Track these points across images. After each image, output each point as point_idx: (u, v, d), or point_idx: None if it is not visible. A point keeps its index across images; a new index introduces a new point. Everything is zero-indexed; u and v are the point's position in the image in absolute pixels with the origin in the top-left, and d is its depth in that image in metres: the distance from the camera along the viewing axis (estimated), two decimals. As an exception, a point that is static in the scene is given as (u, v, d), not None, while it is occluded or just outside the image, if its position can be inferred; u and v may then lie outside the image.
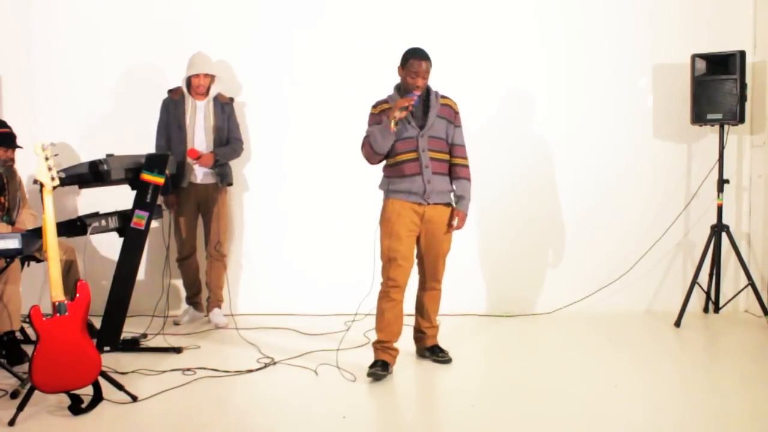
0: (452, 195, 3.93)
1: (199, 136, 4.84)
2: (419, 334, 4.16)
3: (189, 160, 4.76)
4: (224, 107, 4.91)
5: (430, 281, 4.01)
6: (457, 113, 3.94)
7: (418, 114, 3.83)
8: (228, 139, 4.93)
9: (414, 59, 3.76)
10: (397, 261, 3.77)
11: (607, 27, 5.20)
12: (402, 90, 3.83)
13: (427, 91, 3.88)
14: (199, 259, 5.04)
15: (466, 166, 3.96)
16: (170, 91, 4.91)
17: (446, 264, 4.01)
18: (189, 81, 4.83)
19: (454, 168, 3.93)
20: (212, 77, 4.85)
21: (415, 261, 3.95)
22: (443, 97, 3.92)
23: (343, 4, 5.25)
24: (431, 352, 4.11)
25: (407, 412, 3.38)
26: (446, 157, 3.89)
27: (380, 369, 3.76)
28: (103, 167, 3.99)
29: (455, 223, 3.91)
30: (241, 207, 5.32)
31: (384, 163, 3.91)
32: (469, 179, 3.95)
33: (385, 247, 3.82)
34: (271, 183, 5.32)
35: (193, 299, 5.09)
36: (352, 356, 4.09)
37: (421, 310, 4.11)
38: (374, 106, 3.90)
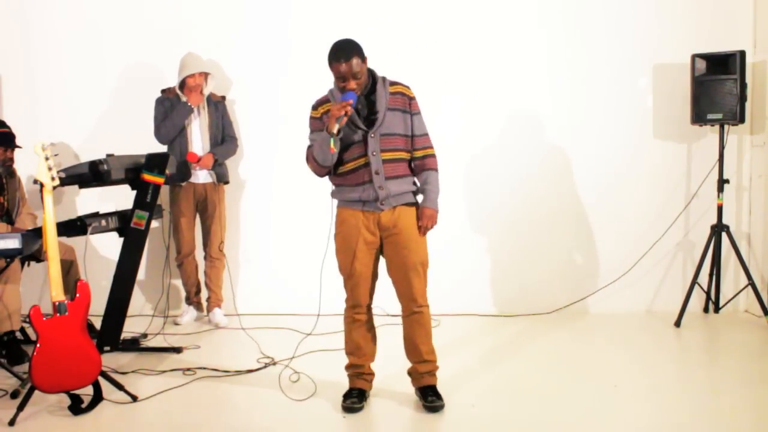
0: (414, 193, 3.33)
1: (197, 136, 4.86)
2: (410, 373, 3.47)
3: (189, 164, 4.77)
4: (218, 106, 4.94)
5: (406, 302, 3.32)
6: (412, 99, 3.27)
7: (364, 111, 3.20)
8: (223, 138, 4.96)
9: (333, 62, 3.12)
10: (353, 278, 3.30)
11: (607, 27, 5.19)
12: (338, 92, 3.19)
13: (373, 80, 3.22)
14: (198, 259, 5.04)
15: (432, 156, 3.32)
16: (164, 91, 4.92)
17: (427, 278, 3.34)
18: (182, 83, 4.83)
19: (418, 162, 3.30)
20: (206, 76, 4.86)
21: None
22: (393, 83, 3.26)
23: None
24: (422, 394, 3.39)
25: (407, 411, 3.37)
26: (404, 155, 3.26)
27: (356, 400, 3.37)
28: (103, 167, 3.99)
29: (423, 223, 3.27)
30: (240, 206, 5.31)
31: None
32: (435, 169, 3.31)
33: (339, 263, 3.34)
34: (270, 182, 5.31)
35: (193, 299, 5.09)
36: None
37: (406, 342, 3.41)
38: (314, 108, 3.28)
